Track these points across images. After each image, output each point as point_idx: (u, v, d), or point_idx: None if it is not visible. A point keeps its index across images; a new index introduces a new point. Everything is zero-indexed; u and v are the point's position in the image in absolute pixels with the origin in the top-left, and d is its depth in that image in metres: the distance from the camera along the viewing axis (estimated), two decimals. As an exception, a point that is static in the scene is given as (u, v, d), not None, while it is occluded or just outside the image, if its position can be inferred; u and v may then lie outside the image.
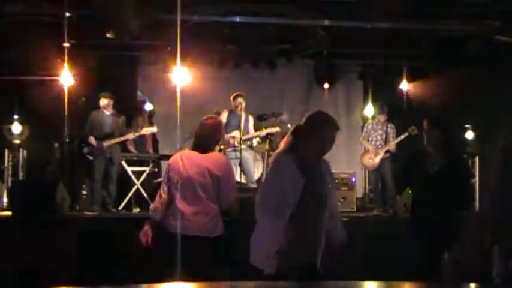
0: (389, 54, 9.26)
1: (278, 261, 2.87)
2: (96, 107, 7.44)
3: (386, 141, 7.58)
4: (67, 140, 8.28)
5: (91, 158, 7.23)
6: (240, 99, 7.47)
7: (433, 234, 4.06)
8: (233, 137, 7.40)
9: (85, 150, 7.27)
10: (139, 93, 9.58)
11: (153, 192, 7.81)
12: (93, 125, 7.31)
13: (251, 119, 7.67)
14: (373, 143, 7.65)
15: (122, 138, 7.34)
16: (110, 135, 7.27)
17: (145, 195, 7.49)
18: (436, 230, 4.05)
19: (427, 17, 7.53)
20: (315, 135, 3.04)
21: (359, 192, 8.63)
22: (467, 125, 8.75)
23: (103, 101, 7.34)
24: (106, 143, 7.19)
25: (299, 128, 3.12)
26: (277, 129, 7.67)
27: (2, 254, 5.48)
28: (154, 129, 7.80)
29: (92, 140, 7.20)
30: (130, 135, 7.44)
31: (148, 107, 8.65)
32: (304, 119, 3.12)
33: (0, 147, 8.21)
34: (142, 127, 7.71)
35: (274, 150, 7.90)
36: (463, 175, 4.21)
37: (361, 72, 10.02)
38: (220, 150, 7.55)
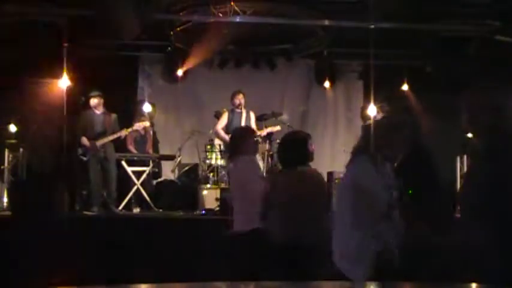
0: (389, 54, 9.27)
1: (376, 262, 2.82)
2: (87, 107, 7.38)
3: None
4: (67, 140, 8.28)
5: (85, 159, 7.17)
6: (239, 96, 7.45)
7: None
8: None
9: (79, 151, 7.18)
10: (139, 91, 9.59)
11: (153, 192, 7.84)
12: (85, 125, 7.24)
13: (252, 116, 7.64)
14: (373, 143, 7.65)
15: (115, 136, 7.23)
16: (102, 134, 7.20)
17: (145, 195, 7.48)
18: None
19: (427, 17, 7.53)
20: (393, 136, 3.00)
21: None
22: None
23: (93, 101, 7.28)
24: (99, 142, 7.12)
25: (375, 127, 3.08)
26: (277, 128, 7.66)
27: (2, 254, 5.48)
28: (146, 123, 7.72)
29: (85, 140, 7.13)
30: (123, 132, 7.34)
31: (148, 108, 8.65)
32: (381, 118, 3.09)
33: (0, 147, 8.20)
34: (133, 124, 7.65)
35: (273, 150, 7.93)
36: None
37: (361, 72, 10.02)
38: (221, 152, 7.58)
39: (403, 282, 2.55)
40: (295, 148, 3.99)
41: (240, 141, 4.52)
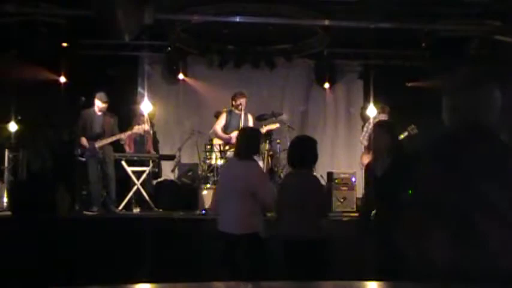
0: (389, 54, 9.28)
1: None
2: (90, 106, 7.32)
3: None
4: (67, 140, 8.28)
5: (83, 159, 7.13)
6: (242, 99, 7.42)
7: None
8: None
9: (78, 152, 7.14)
10: (139, 91, 9.59)
11: (153, 192, 7.84)
12: (84, 125, 7.19)
13: (250, 118, 7.63)
14: (373, 143, 7.65)
15: (114, 138, 7.20)
16: (100, 135, 7.16)
17: (145, 195, 7.48)
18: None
19: (427, 17, 7.53)
20: None
21: (359, 192, 8.64)
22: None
23: (99, 104, 7.16)
24: (98, 144, 7.08)
25: None
26: (276, 125, 7.64)
27: (2, 254, 5.48)
28: (145, 126, 7.65)
29: (84, 141, 7.09)
30: (122, 135, 7.31)
31: (148, 108, 8.64)
32: None
33: (0, 147, 8.20)
34: (133, 126, 7.61)
35: (273, 150, 7.93)
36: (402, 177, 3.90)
37: (361, 72, 10.02)
38: (221, 152, 7.57)
39: (403, 282, 2.55)
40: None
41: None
